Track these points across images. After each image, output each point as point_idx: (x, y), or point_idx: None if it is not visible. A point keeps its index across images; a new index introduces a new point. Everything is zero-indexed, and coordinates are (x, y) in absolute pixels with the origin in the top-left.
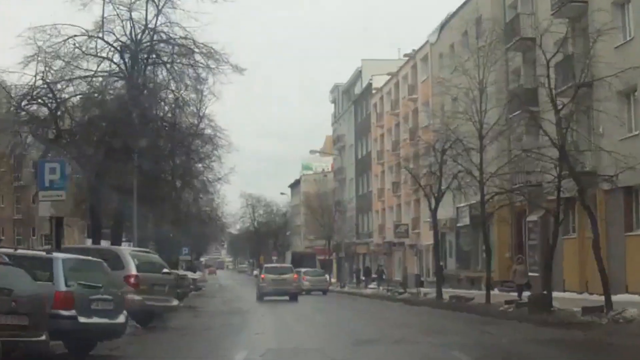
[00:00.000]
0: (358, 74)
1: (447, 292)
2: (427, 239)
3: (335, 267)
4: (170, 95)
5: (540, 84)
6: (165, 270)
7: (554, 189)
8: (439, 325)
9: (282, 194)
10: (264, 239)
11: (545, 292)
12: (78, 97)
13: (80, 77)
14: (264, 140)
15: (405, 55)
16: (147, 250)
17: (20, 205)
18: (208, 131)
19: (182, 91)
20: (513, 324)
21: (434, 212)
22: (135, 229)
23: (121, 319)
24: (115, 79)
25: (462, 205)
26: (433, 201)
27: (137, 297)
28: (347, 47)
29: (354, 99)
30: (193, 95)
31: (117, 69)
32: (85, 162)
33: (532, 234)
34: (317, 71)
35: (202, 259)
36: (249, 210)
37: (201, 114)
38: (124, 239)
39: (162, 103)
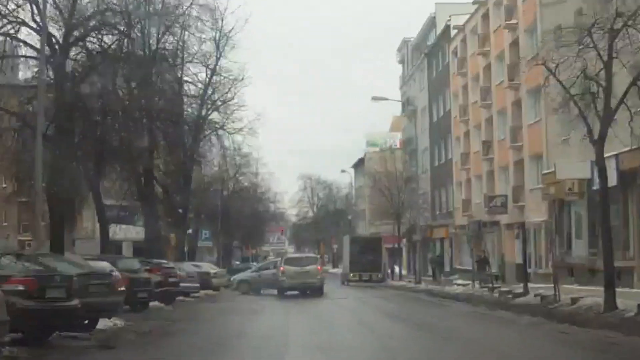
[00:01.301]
0: (431, 22)
1: (591, 292)
2: (536, 213)
3: (405, 256)
4: None
5: None
6: None
7: None
8: None
9: (342, 171)
10: (324, 225)
11: None
12: None
13: None
14: (326, 129)
15: None
16: None
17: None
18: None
19: None
20: None
21: (598, 143)
22: (39, 185)
23: None
24: None
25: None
26: (597, 127)
27: None
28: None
29: (426, 52)
30: None
31: None
32: None
33: None
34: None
35: (266, 249)
36: (307, 193)
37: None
38: None
39: None
